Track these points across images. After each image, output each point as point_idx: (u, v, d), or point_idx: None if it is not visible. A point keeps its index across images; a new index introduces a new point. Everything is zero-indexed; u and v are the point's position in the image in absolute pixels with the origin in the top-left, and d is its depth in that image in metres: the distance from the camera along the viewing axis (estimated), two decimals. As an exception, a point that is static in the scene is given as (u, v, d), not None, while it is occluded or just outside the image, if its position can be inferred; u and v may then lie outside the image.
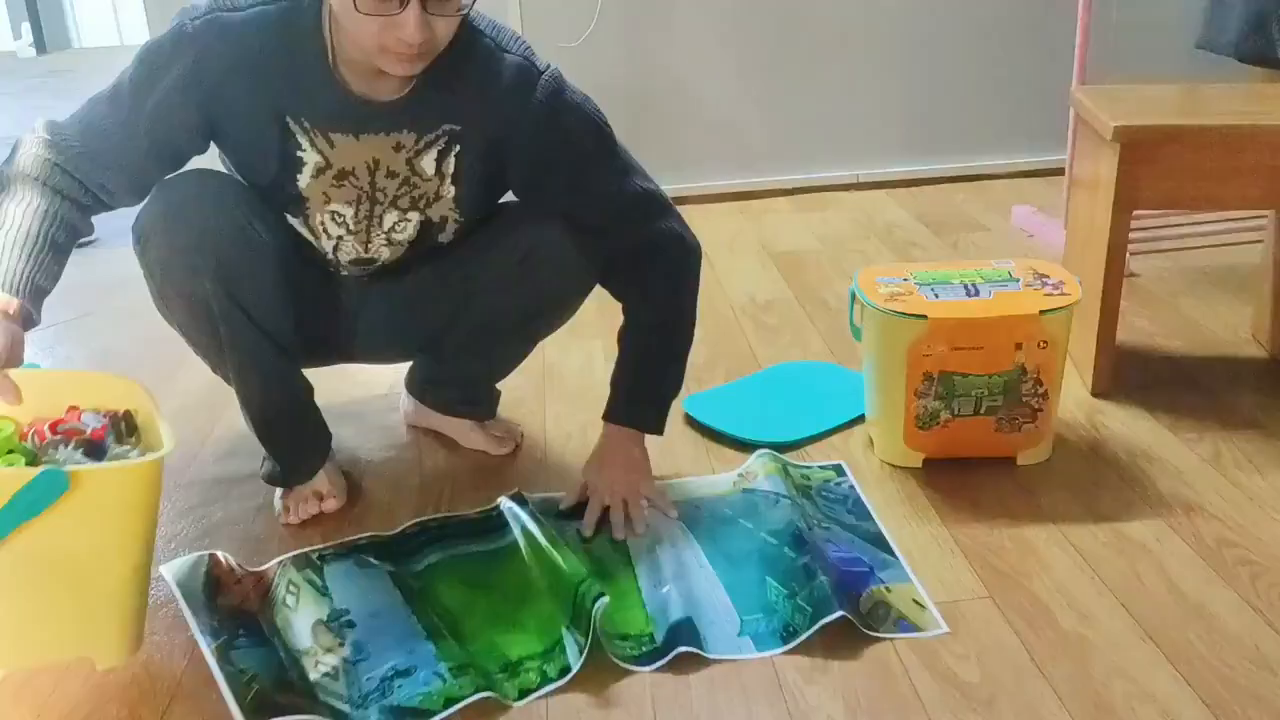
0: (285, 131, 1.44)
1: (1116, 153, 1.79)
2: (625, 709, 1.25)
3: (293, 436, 1.64)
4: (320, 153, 1.46)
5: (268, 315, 1.50)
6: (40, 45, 8.50)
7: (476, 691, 1.25)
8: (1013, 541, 1.51)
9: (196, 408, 2.04)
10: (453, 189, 1.53)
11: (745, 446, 1.82)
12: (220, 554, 1.46)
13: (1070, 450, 1.75)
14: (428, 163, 1.50)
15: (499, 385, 1.86)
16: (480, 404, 1.85)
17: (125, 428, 1.34)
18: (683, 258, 1.63)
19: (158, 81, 1.42)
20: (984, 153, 3.42)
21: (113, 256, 3.10)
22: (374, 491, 1.73)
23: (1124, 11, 3.21)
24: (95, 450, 1.28)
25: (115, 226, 3.62)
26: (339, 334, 1.72)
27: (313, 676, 1.28)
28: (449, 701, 1.24)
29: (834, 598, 1.36)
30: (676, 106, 3.23)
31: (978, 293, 1.67)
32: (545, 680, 1.29)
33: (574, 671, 1.29)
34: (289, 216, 1.53)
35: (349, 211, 1.52)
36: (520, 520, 1.56)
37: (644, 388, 1.66)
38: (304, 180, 1.48)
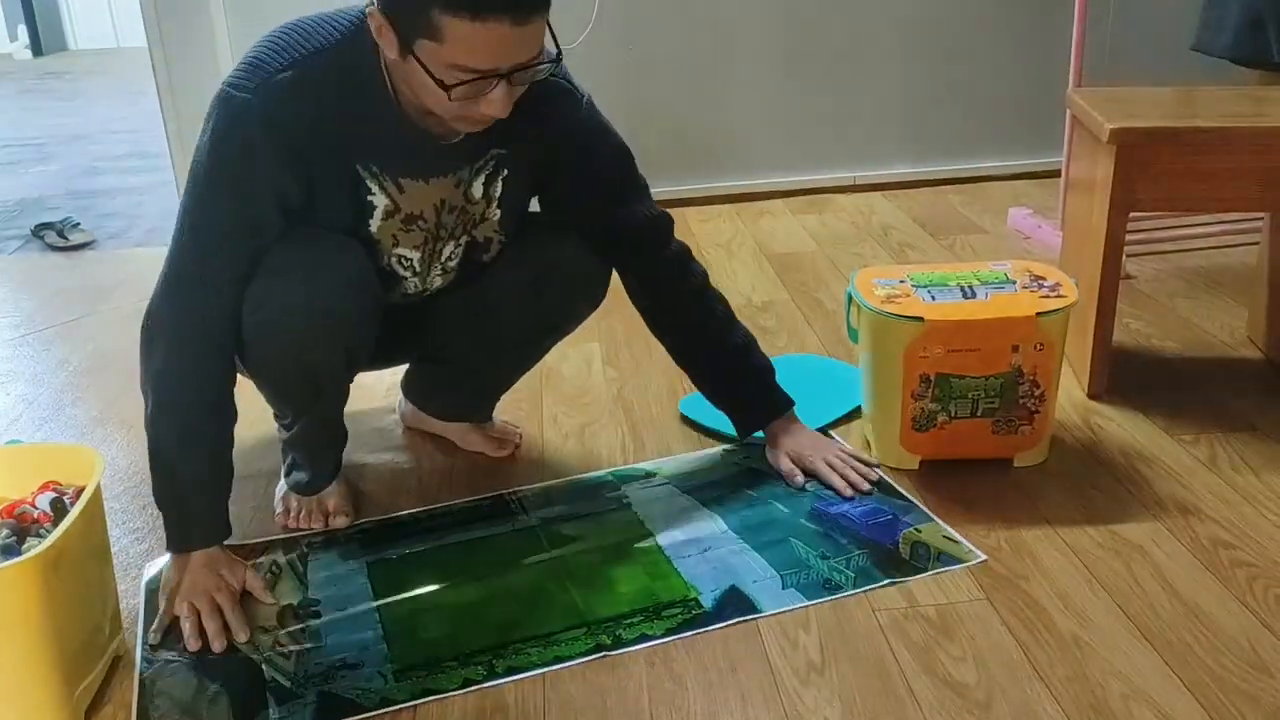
0: (355, 178, 1.42)
1: (1113, 155, 1.79)
2: (623, 710, 1.25)
3: (321, 441, 1.66)
4: (390, 197, 1.44)
5: (359, 364, 1.56)
6: (36, 47, 8.50)
7: (411, 699, 1.27)
8: (1009, 543, 1.52)
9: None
10: (498, 211, 1.54)
11: (742, 444, 1.83)
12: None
13: (1067, 452, 1.76)
14: (477, 188, 1.50)
15: (496, 387, 1.86)
16: (478, 406, 1.85)
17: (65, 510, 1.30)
18: (701, 268, 1.71)
19: (251, 168, 1.34)
20: (980, 155, 3.42)
21: (109, 259, 3.11)
22: (372, 494, 1.73)
23: (1120, 14, 3.22)
24: (24, 536, 1.27)
25: (111, 229, 3.63)
26: None
27: (265, 653, 1.33)
28: (384, 702, 1.27)
29: (874, 569, 1.44)
30: (673, 109, 3.23)
31: (974, 295, 1.68)
32: (491, 674, 1.31)
33: (532, 671, 1.31)
34: None
35: (415, 255, 1.52)
36: (517, 516, 1.60)
37: (757, 379, 1.73)
38: (375, 224, 1.46)
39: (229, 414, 1.45)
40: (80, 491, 1.34)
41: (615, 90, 3.12)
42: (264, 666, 1.32)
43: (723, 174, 3.31)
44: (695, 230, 2.97)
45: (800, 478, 1.66)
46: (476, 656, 1.33)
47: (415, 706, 1.26)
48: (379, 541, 1.58)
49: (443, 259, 1.55)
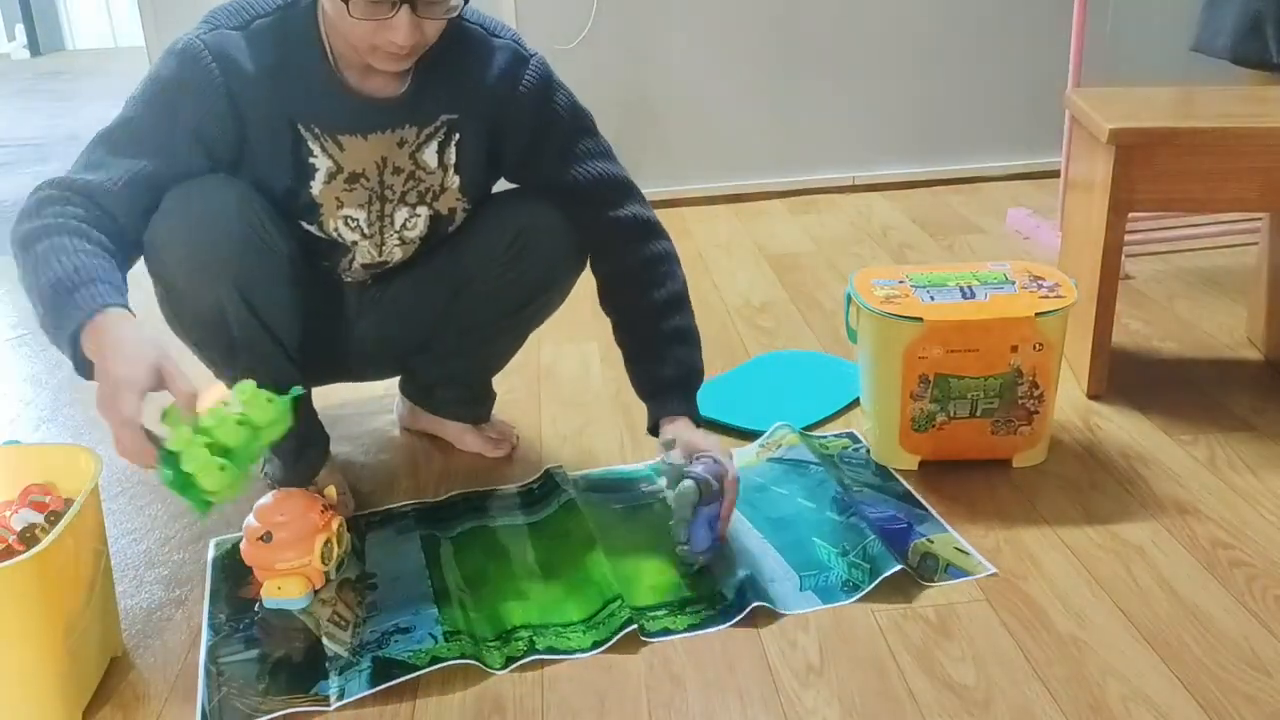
0: (297, 138, 1.44)
1: (1112, 155, 1.79)
2: (621, 712, 1.24)
3: (296, 439, 1.64)
4: (331, 157, 1.46)
5: (280, 322, 1.49)
6: (34, 47, 8.49)
7: (461, 657, 1.31)
8: (1008, 544, 1.51)
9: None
10: (456, 179, 1.55)
11: (742, 435, 1.83)
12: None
13: (1066, 452, 1.75)
14: (430, 155, 1.51)
15: (494, 388, 1.86)
16: (475, 405, 1.85)
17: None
18: (670, 244, 1.63)
19: (186, 99, 1.39)
20: (979, 155, 3.42)
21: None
22: (368, 495, 1.73)
23: (1119, 14, 3.22)
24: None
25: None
26: (339, 346, 1.71)
27: (324, 625, 1.35)
28: (434, 660, 1.31)
29: (889, 554, 1.44)
30: (671, 109, 3.23)
31: (973, 295, 1.68)
32: (532, 649, 1.34)
33: (572, 655, 1.34)
34: (305, 224, 1.52)
35: (361, 215, 1.52)
36: (564, 494, 1.63)
37: (683, 370, 1.59)
38: (317, 186, 1.48)
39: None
40: (66, 500, 1.34)
41: (612, 90, 3.12)
42: (323, 639, 1.35)
43: (721, 174, 3.31)
44: (694, 231, 2.97)
45: (678, 455, 1.50)
46: (518, 632, 1.37)
47: (414, 703, 1.27)
48: (433, 519, 1.63)
49: (397, 226, 1.56)
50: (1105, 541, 1.52)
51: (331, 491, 1.59)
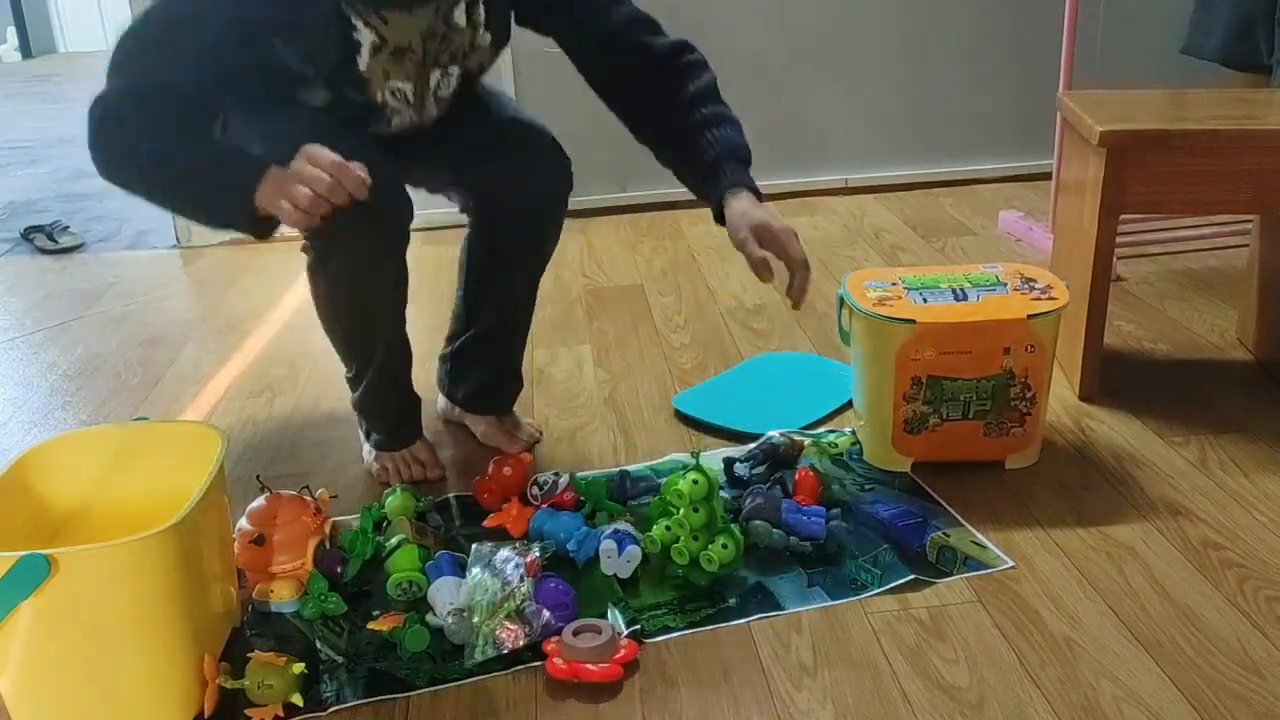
0: (341, 17, 1.47)
1: (1103, 158, 1.79)
2: (615, 713, 1.24)
3: (398, 409, 1.77)
4: (376, 31, 1.49)
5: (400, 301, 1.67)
6: (26, 50, 8.47)
7: (460, 679, 1.31)
8: (1001, 545, 1.52)
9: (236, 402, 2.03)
10: (488, 36, 1.60)
11: (735, 437, 1.83)
12: None
13: (1058, 454, 1.76)
14: (459, 15, 1.55)
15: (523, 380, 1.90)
16: (496, 399, 1.89)
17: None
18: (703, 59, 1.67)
19: None
20: (971, 158, 3.43)
21: (98, 262, 3.10)
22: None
23: (1109, 17, 3.23)
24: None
25: (100, 230, 3.61)
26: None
27: (317, 629, 1.40)
28: (432, 681, 1.31)
29: (900, 564, 1.45)
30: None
31: (965, 297, 1.68)
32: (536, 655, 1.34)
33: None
34: (354, 94, 1.54)
35: (409, 86, 1.57)
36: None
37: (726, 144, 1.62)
38: (364, 62, 1.51)
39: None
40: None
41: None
42: (317, 643, 1.36)
43: (714, 177, 3.31)
44: (687, 232, 2.97)
45: (757, 250, 1.52)
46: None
47: (409, 699, 1.27)
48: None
49: (432, 88, 1.60)
50: (1097, 543, 1.52)
51: (324, 495, 1.60)
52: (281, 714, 1.26)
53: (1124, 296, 2.40)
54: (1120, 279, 2.50)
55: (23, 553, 1.14)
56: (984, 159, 3.43)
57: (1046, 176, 2.93)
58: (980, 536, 1.53)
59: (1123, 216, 1.87)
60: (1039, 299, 1.66)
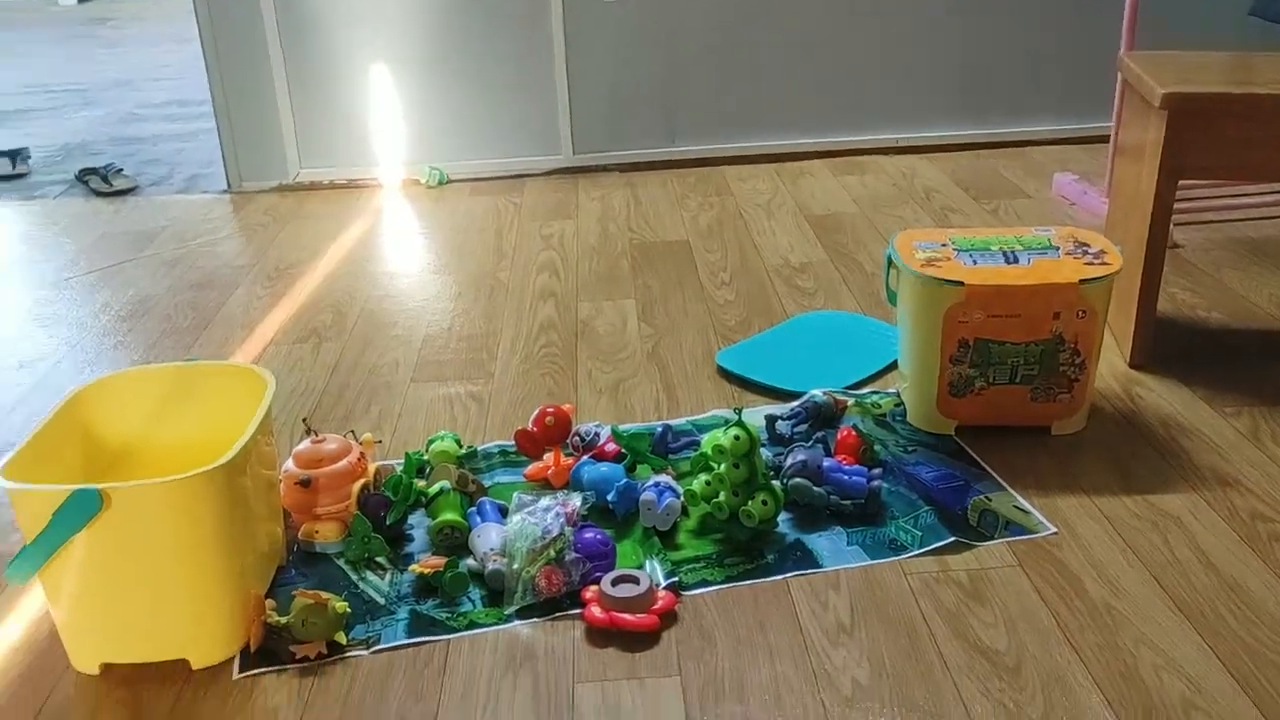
0: None
1: (1164, 120, 1.75)
2: (651, 664, 1.26)
3: None
4: None
5: None
6: (81, -7, 8.51)
7: (498, 623, 1.33)
8: (1044, 511, 1.50)
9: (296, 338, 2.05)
10: None
11: (780, 395, 1.83)
12: None
13: (1106, 421, 1.74)
14: None
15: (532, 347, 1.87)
16: None
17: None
18: None
19: None
20: (1026, 119, 3.36)
21: (151, 205, 3.13)
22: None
23: (1176, -24, 3.14)
24: None
25: (153, 174, 3.65)
26: None
27: (361, 570, 1.43)
28: (471, 625, 1.33)
29: (942, 526, 1.45)
30: (714, 66, 3.19)
31: (1017, 260, 1.65)
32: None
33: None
34: None
35: None
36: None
37: None
38: None
39: None
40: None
41: (654, 45, 3.09)
42: (360, 584, 1.39)
43: (763, 133, 3.27)
44: (734, 189, 2.95)
45: None
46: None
47: (449, 642, 1.29)
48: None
49: None
50: (1143, 511, 1.50)
51: (369, 439, 1.61)
52: (325, 651, 1.28)
53: (1180, 263, 2.36)
54: (1176, 245, 2.45)
55: (77, 486, 1.16)
56: (1039, 120, 3.36)
57: (1104, 139, 2.87)
58: (1023, 501, 1.52)
59: (1181, 182, 1.83)
60: (1092, 263, 1.64)
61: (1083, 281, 1.59)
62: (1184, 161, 1.78)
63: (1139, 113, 1.91)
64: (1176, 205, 1.90)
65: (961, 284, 1.60)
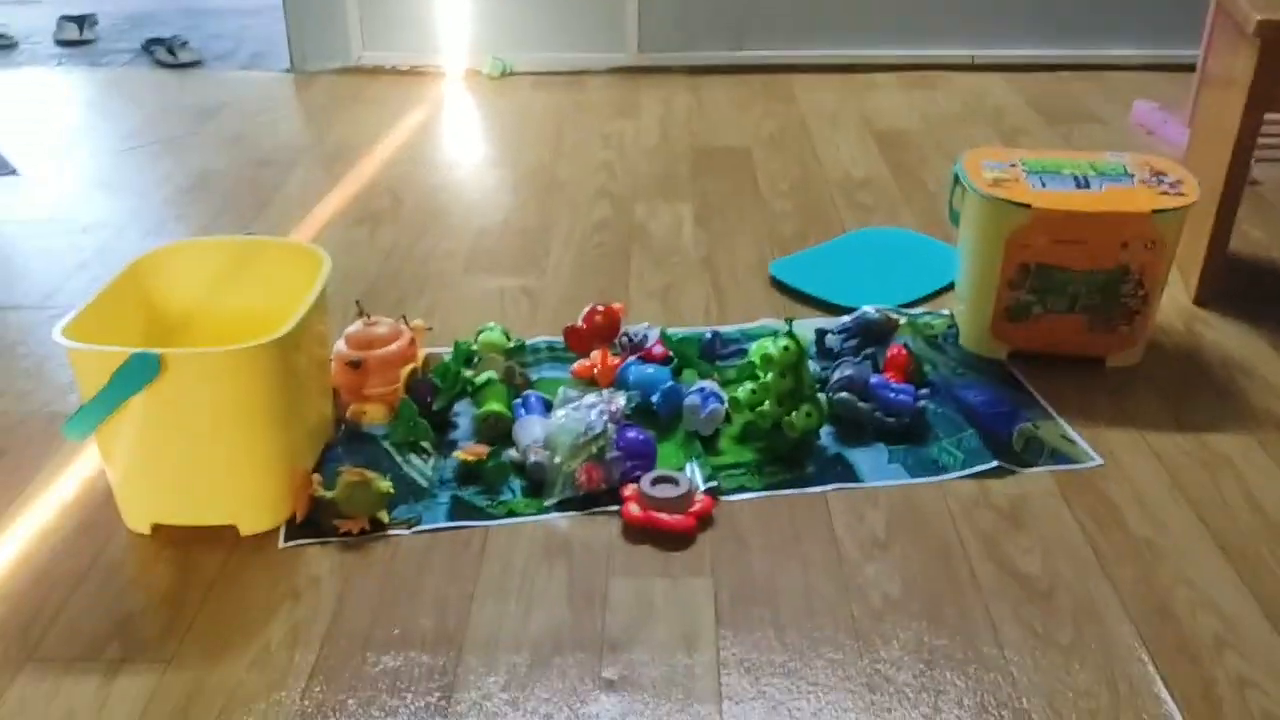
0: None
1: (1256, 48, 1.68)
2: (684, 564, 1.27)
3: None
4: None
5: None
6: None
7: (538, 513, 1.35)
8: (1092, 442, 1.49)
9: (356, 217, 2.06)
10: None
11: (832, 309, 1.81)
12: None
13: (1163, 357, 1.70)
14: None
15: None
16: None
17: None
18: None
19: None
20: (1108, 41, 3.24)
21: (215, 80, 3.13)
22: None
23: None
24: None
25: (217, 48, 3.64)
26: None
27: (405, 452, 1.45)
28: (510, 513, 1.35)
29: (985, 450, 1.44)
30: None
31: (1088, 185, 1.61)
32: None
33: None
34: None
35: None
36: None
37: None
38: None
39: None
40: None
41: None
42: (404, 466, 1.41)
43: (834, 42, 3.18)
44: (799, 98, 2.88)
45: None
46: None
47: (488, 529, 1.31)
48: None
49: None
50: (1194, 449, 1.48)
51: (419, 325, 1.63)
52: (367, 527, 1.31)
53: (1256, 201, 2.28)
54: (1255, 182, 2.37)
55: (136, 350, 1.19)
56: (1122, 43, 3.23)
57: (1189, 68, 2.76)
58: (1071, 431, 1.50)
59: (1268, 116, 1.76)
60: (1167, 193, 1.59)
61: (1156, 212, 1.55)
62: (1274, 92, 1.71)
63: (1230, 40, 1.83)
64: (1259, 140, 1.83)
65: (1028, 206, 1.56)
